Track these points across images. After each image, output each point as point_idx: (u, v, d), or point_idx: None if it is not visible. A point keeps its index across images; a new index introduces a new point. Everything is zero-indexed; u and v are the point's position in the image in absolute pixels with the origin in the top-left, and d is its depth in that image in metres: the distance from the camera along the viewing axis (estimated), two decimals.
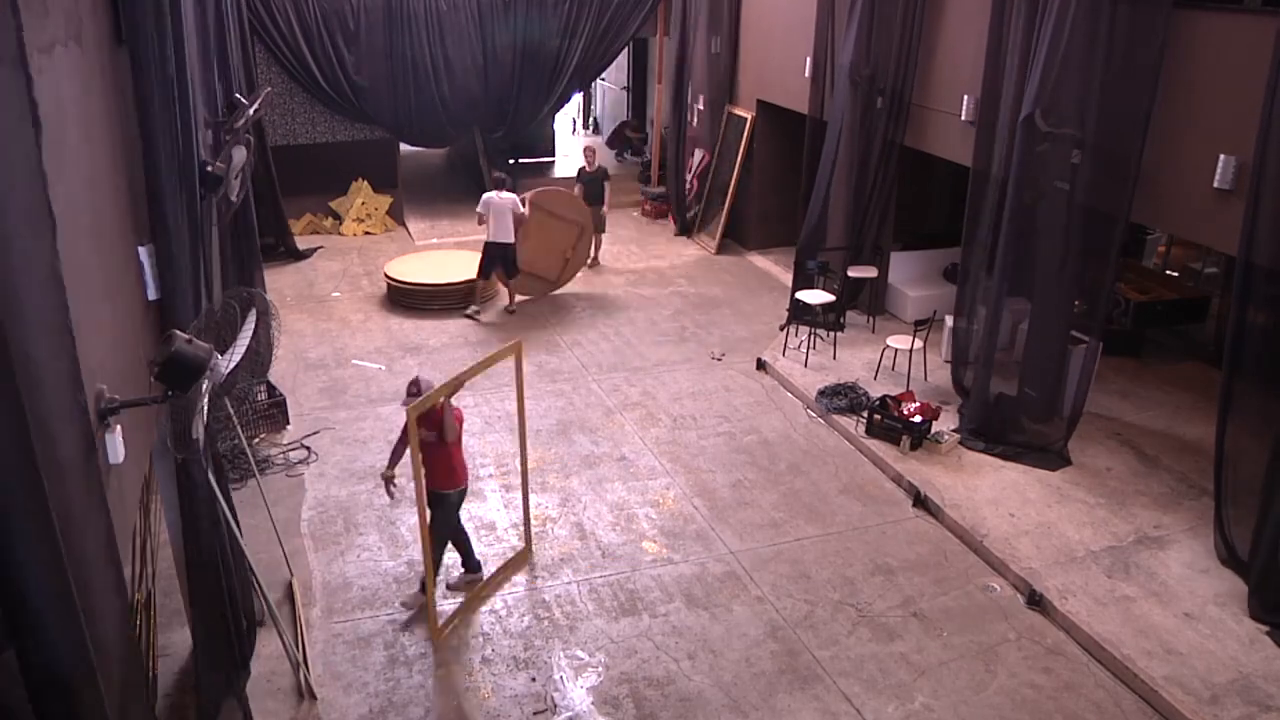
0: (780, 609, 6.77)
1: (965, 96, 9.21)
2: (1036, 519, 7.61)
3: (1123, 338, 10.02)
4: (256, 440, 8.64)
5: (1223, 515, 7.07)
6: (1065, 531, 7.44)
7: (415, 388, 6.26)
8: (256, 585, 6.05)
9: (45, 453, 2.59)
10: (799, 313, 10.72)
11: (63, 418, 2.88)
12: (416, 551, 7.29)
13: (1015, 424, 8.58)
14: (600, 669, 6.20)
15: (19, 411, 2.44)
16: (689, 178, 14.88)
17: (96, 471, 3.32)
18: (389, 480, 6.68)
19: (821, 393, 9.52)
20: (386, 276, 12.06)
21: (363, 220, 14.79)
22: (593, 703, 5.93)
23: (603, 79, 19.41)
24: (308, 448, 8.66)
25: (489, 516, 7.77)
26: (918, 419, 8.61)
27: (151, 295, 4.58)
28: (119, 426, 3.59)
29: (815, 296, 10.58)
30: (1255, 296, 6.65)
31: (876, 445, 8.67)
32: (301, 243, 13.98)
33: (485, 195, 11.34)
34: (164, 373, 3.57)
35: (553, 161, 17.44)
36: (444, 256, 12.80)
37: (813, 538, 7.55)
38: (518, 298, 11.94)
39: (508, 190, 11.34)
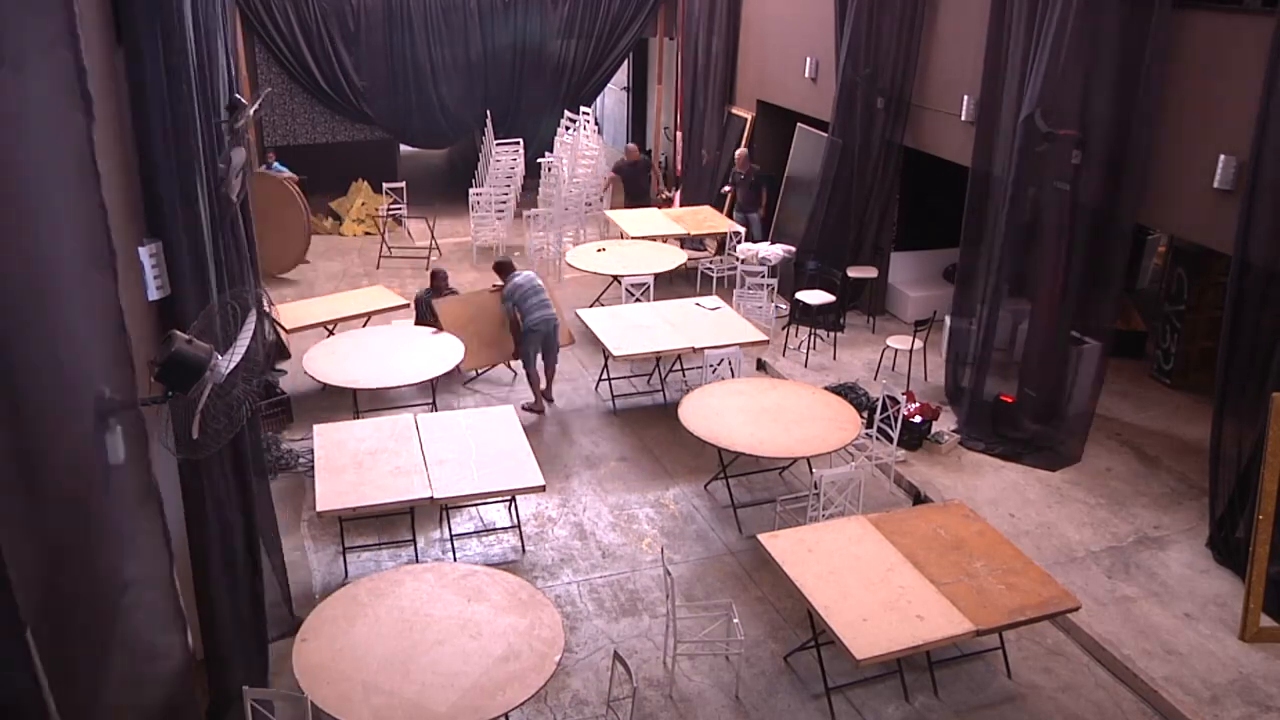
0: (780, 609, 6.76)
1: (965, 97, 9.21)
2: (1036, 519, 7.61)
3: (1123, 338, 10.02)
4: None
5: (1219, 516, 7.07)
6: (1065, 532, 7.44)
7: None
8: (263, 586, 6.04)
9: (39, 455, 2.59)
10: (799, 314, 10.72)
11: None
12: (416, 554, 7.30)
13: (1015, 424, 8.58)
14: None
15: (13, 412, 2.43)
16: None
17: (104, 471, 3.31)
18: None
19: None
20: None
21: (363, 221, 14.78)
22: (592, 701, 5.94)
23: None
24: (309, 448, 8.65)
25: (489, 516, 7.77)
26: (918, 419, 8.61)
27: (151, 295, 4.56)
28: (119, 426, 3.59)
29: (815, 297, 10.57)
30: (1250, 296, 6.65)
31: (876, 445, 8.66)
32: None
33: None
34: (164, 373, 3.57)
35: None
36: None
37: None
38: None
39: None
